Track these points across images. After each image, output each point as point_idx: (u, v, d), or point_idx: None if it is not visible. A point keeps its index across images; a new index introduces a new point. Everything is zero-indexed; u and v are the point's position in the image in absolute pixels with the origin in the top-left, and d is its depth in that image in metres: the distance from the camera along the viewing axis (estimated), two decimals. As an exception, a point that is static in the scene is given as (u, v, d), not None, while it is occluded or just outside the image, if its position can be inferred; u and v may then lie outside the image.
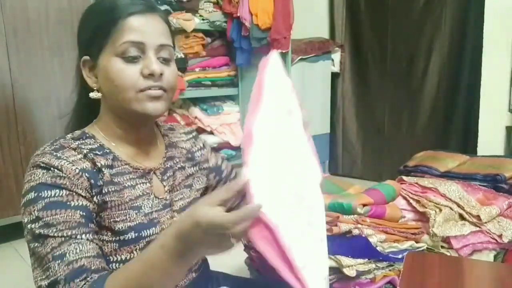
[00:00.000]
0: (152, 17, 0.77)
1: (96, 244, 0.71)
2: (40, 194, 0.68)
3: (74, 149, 0.74)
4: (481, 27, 2.73)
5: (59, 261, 0.65)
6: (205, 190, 0.97)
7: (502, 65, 2.70)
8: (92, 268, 0.66)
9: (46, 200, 0.68)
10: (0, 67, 2.18)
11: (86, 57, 0.78)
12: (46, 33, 2.30)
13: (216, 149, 3.00)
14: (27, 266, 2.03)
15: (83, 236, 0.68)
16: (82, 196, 0.71)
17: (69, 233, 0.67)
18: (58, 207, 0.68)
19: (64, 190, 0.69)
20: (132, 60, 0.75)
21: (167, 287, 0.66)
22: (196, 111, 2.94)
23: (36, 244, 0.67)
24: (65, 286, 0.64)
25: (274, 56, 0.69)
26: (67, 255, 0.65)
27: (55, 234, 0.66)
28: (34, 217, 0.67)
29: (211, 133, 3.00)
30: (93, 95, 0.79)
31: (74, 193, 0.70)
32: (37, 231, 0.67)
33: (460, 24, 2.88)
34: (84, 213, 0.70)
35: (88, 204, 0.72)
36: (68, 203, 0.69)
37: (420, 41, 3.07)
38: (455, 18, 2.91)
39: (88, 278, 0.65)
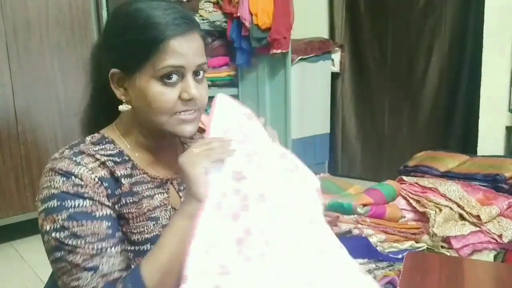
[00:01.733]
0: (192, 37, 0.74)
1: (124, 255, 0.72)
2: (63, 203, 0.68)
3: (93, 155, 0.73)
4: (481, 27, 2.73)
5: (92, 272, 0.67)
6: None
7: (502, 65, 2.70)
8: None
9: (70, 210, 0.68)
10: (0, 67, 2.18)
11: (116, 70, 0.75)
12: (46, 33, 2.30)
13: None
14: (27, 266, 2.03)
15: (113, 249, 0.69)
16: (105, 205, 0.71)
17: (100, 246, 0.68)
18: (83, 218, 0.68)
19: (87, 200, 0.69)
20: (171, 83, 0.73)
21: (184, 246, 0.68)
22: (196, 111, 2.94)
23: (63, 253, 0.67)
24: None
25: (219, 98, 0.78)
26: (100, 267, 0.67)
27: (85, 246, 0.67)
28: (59, 226, 0.67)
29: (211, 133, 3.00)
30: (122, 108, 0.77)
31: (97, 203, 0.70)
32: (64, 241, 0.67)
33: (460, 24, 2.88)
34: (110, 223, 0.70)
35: (111, 212, 0.72)
36: (93, 214, 0.69)
37: (420, 41, 3.07)
38: (455, 18, 2.91)
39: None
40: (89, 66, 0.83)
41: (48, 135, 2.36)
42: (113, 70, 0.75)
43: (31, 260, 2.09)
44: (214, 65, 3.01)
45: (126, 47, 0.74)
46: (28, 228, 2.23)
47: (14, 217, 2.23)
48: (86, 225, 0.68)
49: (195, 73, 0.76)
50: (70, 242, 0.67)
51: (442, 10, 2.94)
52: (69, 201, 0.68)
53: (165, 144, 0.83)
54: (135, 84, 0.74)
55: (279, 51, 2.80)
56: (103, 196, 0.71)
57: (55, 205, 0.68)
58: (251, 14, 2.79)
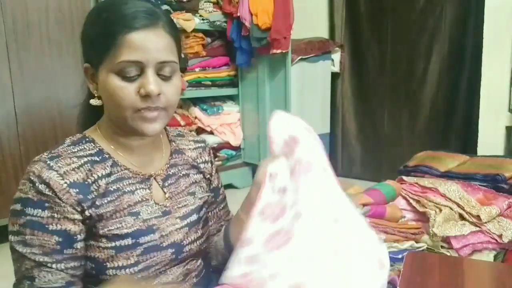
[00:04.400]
0: (154, 32, 0.72)
1: (68, 273, 0.72)
2: (24, 209, 0.70)
3: (70, 158, 0.73)
4: (481, 27, 2.73)
5: (29, 282, 0.70)
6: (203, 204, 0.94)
7: (502, 65, 2.70)
8: None
9: (28, 217, 0.69)
10: (0, 67, 2.18)
11: (87, 64, 0.76)
12: (46, 34, 2.30)
13: (216, 149, 3.00)
14: (27, 266, 2.03)
15: (54, 265, 0.70)
16: (66, 217, 0.70)
17: (41, 260, 0.69)
18: (36, 228, 0.69)
19: (46, 211, 0.69)
20: (130, 78, 0.71)
21: None
22: (196, 111, 2.94)
23: (15, 256, 0.71)
24: None
25: (276, 117, 0.77)
26: (36, 280, 0.70)
27: (29, 256, 0.69)
28: (15, 230, 0.70)
29: (211, 133, 3.00)
30: (93, 102, 0.77)
31: (55, 214, 0.70)
32: (15, 246, 0.70)
33: (460, 24, 2.88)
34: (61, 239, 0.70)
35: (67, 228, 0.71)
36: (47, 226, 0.69)
37: (420, 41, 3.07)
38: (455, 18, 2.91)
39: None
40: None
41: (48, 135, 2.36)
42: (85, 64, 0.77)
43: (31, 260, 2.09)
44: (214, 65, 3.01)
45: (91, 40, 0.74)
46: (28, 228, 2.23)
47: (14, 217, 2.23)
48: (37, 236, 0.69)
49: (159, 71, 0.73)
50: (18, 249, 0.70)
51: (442, 10, 2.94)
52: (29, 208, 0.69)
53: (144, 143, 0.81)
54: (100, 79, 0.74)
55: (279, 51, 2.80)
56: (67, 204, 0.70)
57: (18, 208, 0.70)
58: (251, 14, 2.79)
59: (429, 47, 3.04)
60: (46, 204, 0.69)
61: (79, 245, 0.72)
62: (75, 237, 0.72)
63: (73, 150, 0.75)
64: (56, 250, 0.70)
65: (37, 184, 0.69)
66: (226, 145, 3.10)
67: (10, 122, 2.23)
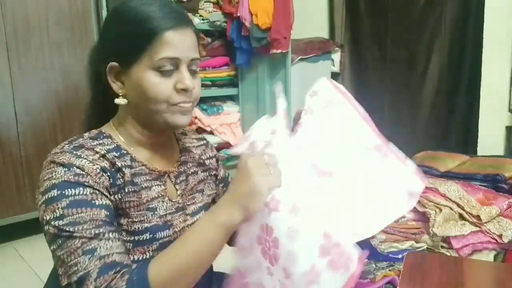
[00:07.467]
0: (186, 31, 0.78)
1: (122, 242, 0.72)
2: (63, 192, 0.69)
3: (92, 149, 0.75)
4: (481, 27, 2.73)
5: (90, 255, 0.66)
6: (214, 198, 0.98)
7: (502, 65, 2.70)
8: (124, 263, 0.68)
9: (70, 198, 0.69)
10: (0, 68, 2.18)
11: (114, 64, 0.78)
12: (46, 33, 2.30)
13: (216, 149, 3.00)
14: (27, 266, 2.03)
15: (110, 234, 0.69)
16: (105, 195, 0.72)
17: (97, 231, 0.68)
18: (83, 205, 0.69)
19: (88, 188, 0.70)
20: (166, 74, 0.76)
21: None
22: (196, 111, 2.94)
23: (62, 240, 0.67)
24: (97, 279, 0.64)
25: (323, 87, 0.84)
26: (98, 249, 0.67)
27: (83, 233, 0.67)
28: (58, 215, 0.68)
29: (211, 133, 3.00)
30: (119, 101, 0.79)
31: (97, 191, 0.71)
32: (63, 228, 0.67)
33: (460, 24, 2.88)
34: (108, 213, 0.71)
35: (110, 204, 0.73)
36: (93, 201, 0.70)
37: (420, 41, 3.07)
38: (455, 18, 2.91)
39: (121, 271, 0.66)
40: (89, 69, 0.85)
41: (48, 135, 2.36)
42: (111, 63, 0.78)
43: (31, 260, 2.09)
44: (214, 65, 3.00)
45: (124, 40, 0.77)
46: (28, 228, 2.24)
47: (14, 217, 2.23)
48: (86, 212, 0.68)
49: (189, 67, 0.79)
50: (68, 229, 0.67)
51: (442, 9, 2.94)
52: (69, 189, 0.69)
53: (161, 141, 0.85)
54: (132, 76, 0.77)
55: (279, 51, 2.80)
56: (103, 187, 0.72)
57: (55, 194, 0.69)
58: (251, 14, 2.79)
59: (429, 47, 3.03)
60: (86, 183, 0.70)
61: (120, 221, 0.75)
62: (114, 213, 0.73)
63: (93, 144, 0.76)
64: (107, 222, 0.70)
65: (72, 169, 0.70)
66: (226, 145, 3.09)
67: (10, 122, 2.23)
